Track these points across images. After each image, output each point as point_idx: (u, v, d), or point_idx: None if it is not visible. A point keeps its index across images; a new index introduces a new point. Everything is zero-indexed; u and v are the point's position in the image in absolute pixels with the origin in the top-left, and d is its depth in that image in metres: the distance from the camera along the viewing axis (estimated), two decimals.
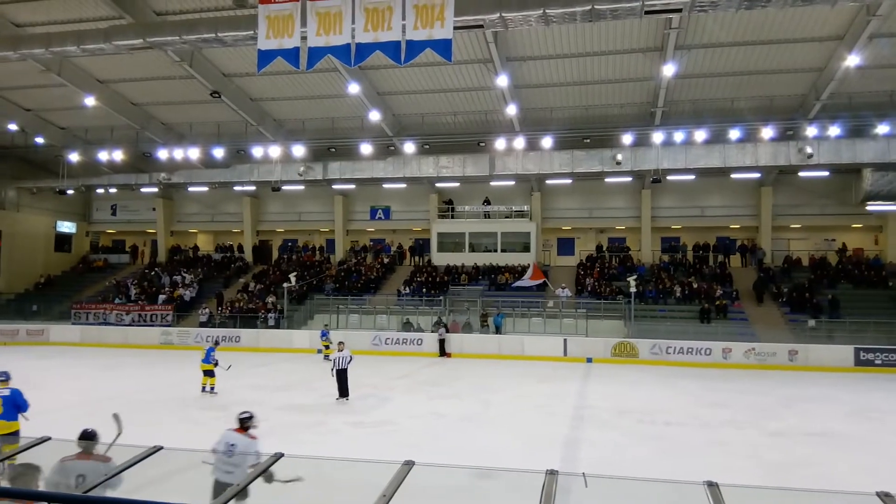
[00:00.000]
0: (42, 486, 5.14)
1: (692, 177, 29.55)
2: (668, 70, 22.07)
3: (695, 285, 28.33)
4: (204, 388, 16.80)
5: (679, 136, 24.99)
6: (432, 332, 26.49)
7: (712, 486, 4.06)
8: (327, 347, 23.05)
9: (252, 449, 6.51)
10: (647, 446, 11.72)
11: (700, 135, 24.71)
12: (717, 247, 32.21)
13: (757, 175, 29.77)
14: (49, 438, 5.69)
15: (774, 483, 9.14)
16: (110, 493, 4.97)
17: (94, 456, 5.68)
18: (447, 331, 26.16)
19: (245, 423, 7.01)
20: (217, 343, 18.10)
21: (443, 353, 25.46)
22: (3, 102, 29.05)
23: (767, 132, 24.25)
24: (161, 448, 5.06)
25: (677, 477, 5.11)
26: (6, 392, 8.96)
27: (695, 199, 32.31)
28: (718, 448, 11.76)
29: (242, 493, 4.61)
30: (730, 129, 24.53)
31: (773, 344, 23.62)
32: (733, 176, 29.58)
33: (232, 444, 6.63)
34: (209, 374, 16.85)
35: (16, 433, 8.02)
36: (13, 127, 29.99)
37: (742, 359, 23.34)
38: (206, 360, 16.89)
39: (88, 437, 5.96)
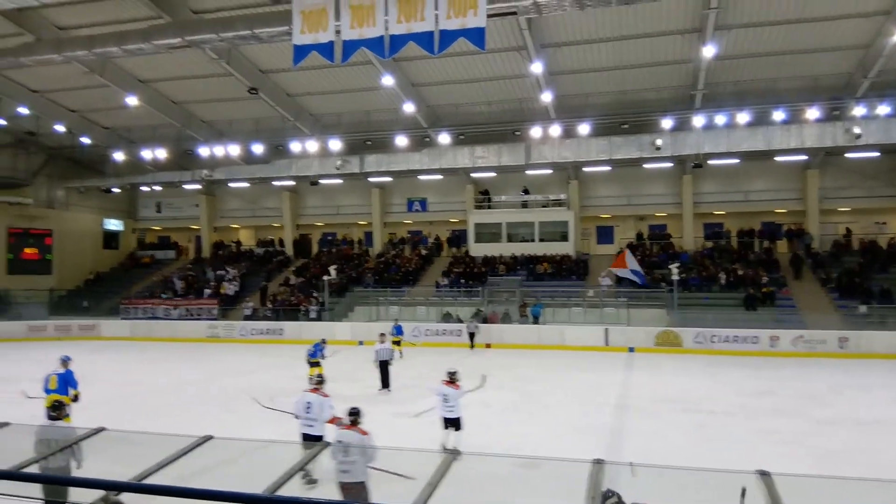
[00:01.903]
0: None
1: (735, 161, 28.84)
2: (708, 51, 21.51)
3: (740, 272, 27.68)
4: (311, 379, 16.69)
5: (720, 119, 24.36)
6: (468, 322, 26.26)
7: (764, 475, 3.98)
8: (397, 344, 21.57)
9: (366, 443, 6.97)
10: (693, 435, 11.54)
11: (742, 117, 24.05)
12: (763, 232, 31.38)
13: (803, 157, 28.88)
14: (104, 429, 5.88)
15: (824, 472, 8.91)
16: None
17: (355, 427, 7.19)
18: (484, 321, 26.14)
19: (356, 420, 7.42)
20: (324, 341, 17.56)
21: (472, 344, 25.20)
22: (50, 104, 29.98)
23: (813, 113, 23.47)
24: (211, 437, 5.17)
25: (725, 466, 5.01)
26: (62, 370, 10.98)
27: (738, 184, 31.52)
28: (766, 436, 11.51)
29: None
30: (773, 110, 23.82)
31: (822, 331, 22.92)
32: (778, 159, 28.76)
33: (341, 442, 7.06)
34: (315, 365, 16.63)
35: (62, 404, 8.81)
36: (60, 128, 30.92)
37: (790, 347, 22.74)
38: (313, 354, 16.75)
39: (355, 412, 7.38)
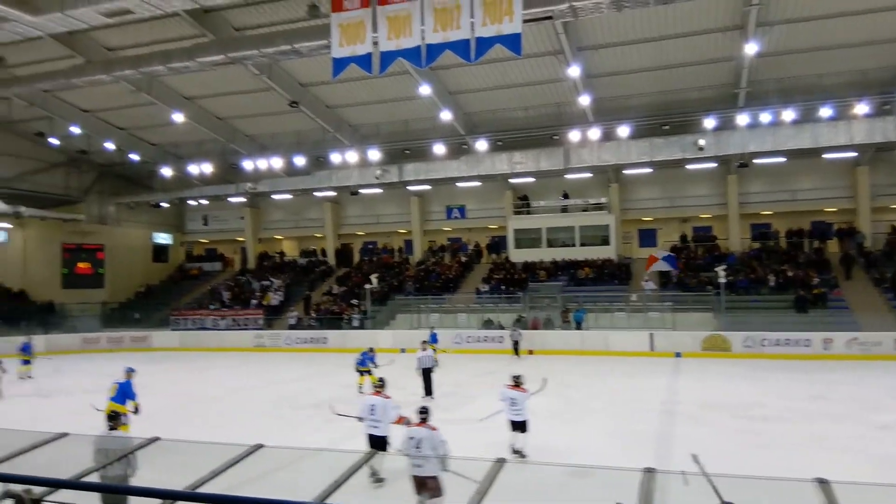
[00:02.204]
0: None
1: (781, 159, 28.06)
2: (751, 49, 21.03)
3: (790, 273, 26.91)
4: (361, 389, 16.62)
5: (765, 117, 23.75)
6: (511, 330, 25.76)
7: (823, 483, 3.85)
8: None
9: (437, 440, 7.38)
10: (744, 442, 11.24)
11: (788, 114, 23.40)
12: (812, 232, 30.45)
13: (852, 154, 27.92)
14: (158, 438, 6.04)
15: (884, 479, 8.58)
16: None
17: (425, 425, 7.63)
18: (525, 328, 25.96)
19: (425, 417, 7.88)
20: (371, 349, 17.70)
21: (516, 352, 24.55)
22: (100, 123, 31.08)
23: (861, 108, 22.69)
24: (262, 446, 5.27)
25: (778, 474, 4.88)
26: (123, 380, 11.38)
27: (785, 183, 30.68)
28: (821, 443, 11.15)
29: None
30: (820, 106, 23.10)
31: (877, 333, 22.13)
32: (826, 156, 27.87)
33: (413, 438, 7.51)
34: (365, 374, 16.85)
35: (119, 414, 8.84)
36: (110, 146, 32.00)
37: (844, 349, 22.01)
38: (362, 363, 16.94)
39: (424, 411, 7.89)
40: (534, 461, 6.17)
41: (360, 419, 9.34)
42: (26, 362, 20.96)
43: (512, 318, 27.50)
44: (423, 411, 7.95)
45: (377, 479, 8.07)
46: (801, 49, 22.45)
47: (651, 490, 3.83)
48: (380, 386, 9.87)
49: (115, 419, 7.52)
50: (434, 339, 22.65)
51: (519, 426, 10.52)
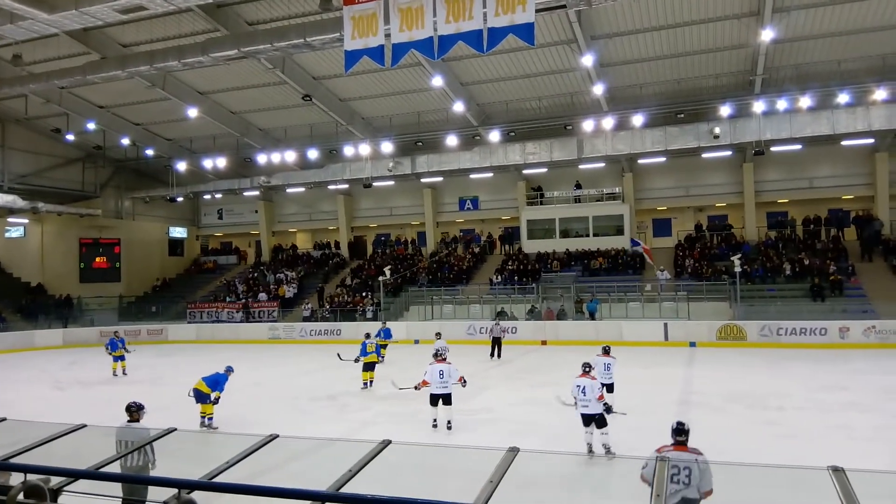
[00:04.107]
0: None
1: (798, 147, 27.72)
2: (767, 35, 20.74)
3: (806, 261, 26.63)
4: (365, 384, 16.45)
5: (782, 105, 23.50)
6: (492, 324, 22.78)
7: (837, 471, 3.82)
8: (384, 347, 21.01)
9: (596, 386, 9.57)
10: (762, 432, 11.16)
11: (805, 101, 23.13)
12: (830, 220, 30.08)
13: (870, 141, 27.51)
14: (175, 429, 6.11)
15: None
16: None
17: (587, 376, 9.80)
18: (541, 318, 25.89)
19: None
20: (368, 336, 17.52)
21: (494, 353, 21.62)
22: (115, 119, 31.33)
23: (880, 94, 22.39)
24: (277, 436, 5.31)
25: (797, 463, 4.85)
26: (222, 373, 12.73)
27: (802, 170, 30.33)
28: (840, 432, 11.04)
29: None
30: (838, 92, 22.81)
31: (895, 321, 21.87)
32: (844, 143, 27.49)
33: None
34: (368, 368, 16.57)
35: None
36: (125, 141, 32.30)
37: (861, 338, 21.78)
38: (363, 353, 16.62)
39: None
40: (547, 451, 6.15)
41: (417, 388, 11.60)
42: (118, 358, 19.93)
43: (525, 308, 27.37)
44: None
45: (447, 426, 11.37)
46: (817, 35, 22.11)
47: (665, 477, 3.81)
48: (440, 355, 11.91)
49: (133, 412, 7.58)
50: (387, 334, 21.74)
51: (592, 420, 9.47)
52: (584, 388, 9.56)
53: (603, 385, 10.84)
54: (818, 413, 12.56)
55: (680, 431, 6.20)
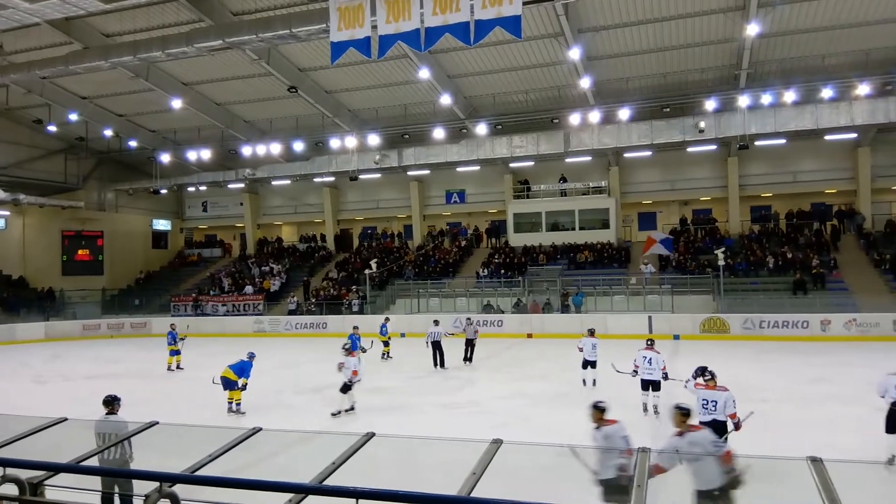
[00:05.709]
0: None
1: (782, 141, 27.94)
2: (752, 29, 20.86)
3: (789, 255, 26.91)
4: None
5: (766, 99, 23.68)
6: (463, 324, 20.67)
7: (815, 461, 3.88)
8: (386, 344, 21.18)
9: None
10: (746, 424, 11.26)
11: (789, 96, 23.35)
12: (813, 213, 30.42)
13: (853, 135, 27.82)
14: (157, 423, 6.07)
15: (885, 459, 8.63)
16: None
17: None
18: (526, 311, 25.97)
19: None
20: (356, 327, 17.75)
21: (467, 356, 19.14)
22: (98, 110, 30.94)
23: (863, 89, 22.62)
24: (260, 429, 5.29)
25: (779, 454, 4.90)
26: (246, 360, 13.17)
27: (786, 165, 30.62)
28: (821, 424, 11.20)
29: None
30: (822, 87, 23.04)
31: (876, 314, 22.16)
32: (827, 137, 27.78)
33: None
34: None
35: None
36: (108, 133, 31.90)
37: (843, 331, 22.06)
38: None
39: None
40: (528, 442, 6.19)
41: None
42: (175, 352, 19.75)
43: (511, 301, 27.46)
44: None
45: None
46: (802, 30, 22.28)
47: (646, 468, 3.85)
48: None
49: (110, 404, 7.47)
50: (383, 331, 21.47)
51: (652, 385, 11.93)
52: (650, 359, 11.97)
53: (643, 381, 12.14)
54: (800, 405, 12.72)
55: (704, 371, 9.16)
